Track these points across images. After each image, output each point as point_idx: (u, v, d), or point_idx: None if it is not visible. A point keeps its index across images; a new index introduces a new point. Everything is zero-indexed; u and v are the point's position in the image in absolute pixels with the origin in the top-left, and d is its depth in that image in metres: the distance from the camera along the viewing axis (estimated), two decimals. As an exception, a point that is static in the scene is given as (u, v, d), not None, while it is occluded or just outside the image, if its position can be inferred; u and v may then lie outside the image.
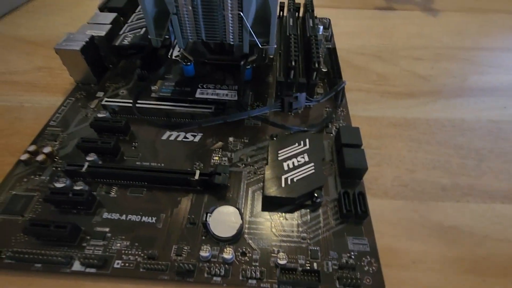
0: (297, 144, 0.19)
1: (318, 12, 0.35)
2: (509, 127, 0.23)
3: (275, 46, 0.22)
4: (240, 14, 0.19)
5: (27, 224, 0.15)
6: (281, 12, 0.31)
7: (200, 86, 0.24)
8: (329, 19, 0.33)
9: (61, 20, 0.33)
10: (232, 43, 0.21)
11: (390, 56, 0.30)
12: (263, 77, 0.26)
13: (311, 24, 0.26)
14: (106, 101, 0.22)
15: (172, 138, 0.21)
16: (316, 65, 0.22)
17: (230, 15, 0.20)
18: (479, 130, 0.23)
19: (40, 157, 0.19)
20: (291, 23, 0.26)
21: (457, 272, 0.16)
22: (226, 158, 0.20)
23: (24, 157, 0.19)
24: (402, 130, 0.23)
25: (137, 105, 0.22)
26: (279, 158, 0.19)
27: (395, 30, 0.34)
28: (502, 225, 0.18)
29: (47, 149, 0.19)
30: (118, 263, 0.15)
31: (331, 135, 0.22)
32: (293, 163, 0.18)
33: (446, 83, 0.27)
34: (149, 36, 0.21)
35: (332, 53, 0.27)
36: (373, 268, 0.15)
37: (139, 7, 0.28)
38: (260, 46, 0.21)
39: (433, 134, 0.23)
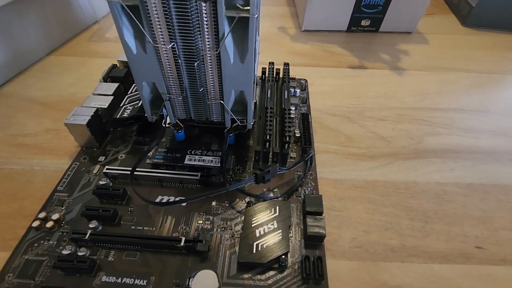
0: (268, 211, 0.23)
1: (298, 71, 0.40)
2: (453, 190, 0.27)
3: (252, 122, 0.26)
4: (221, 102, 0.24)
5: (39, 290, 0.18)
6: (263, 75, 0.36)
7: (188, 153, 0.27)
8: (306, 80, 0.38)
9: (68, 80, 0.37)
10: (215, 120, 0.25)
11: (358, 117, 0.34)
12: (244, 141, 0.30)
13: (285, 96, 0.30)
14: (107, 169, 0.26)
15: (164, 200, 0.25)
16: (287, 139, 0.26)
17: (214, 104, 0.24)
18: (427, 193, 0.27)
19: (49, 224, 0.22)
20: (269, 95, 0.30)
21: (396, 328, 0.19)
22: (208, 221, 0.24)
23: (36, 224, 0.22)
24: (362, 192, 0.27)
25: (135, 172, 0.25)
26: (253, 225, 0.22)
27: (364, 90, 0.38)
28: (437, 284, 0.21)
29: (55, 216, 0.23)
30: (114, 324, 0.18)
31: (300, 198, 0.25)
32: (264, 229, 0.22)
33: (404, 144, 0.31)
34: (145, 115, 0.25)
35: (305, 119, 0.31)
36: (326, 326, 0.19)
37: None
38: (239, 124, 0.25)
39: (389, 196, 0.27)
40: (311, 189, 0.26)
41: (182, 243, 0.21)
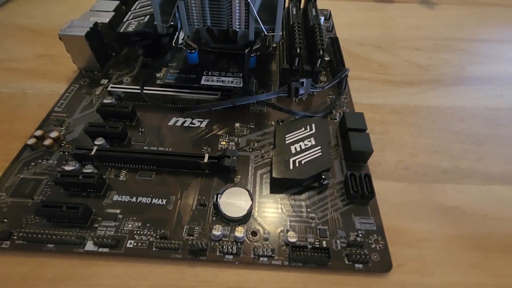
0: (303, 129, 0.20)
1: (319, 4, 0.36)
2: (505, 114, 0.24)
3: (281, 33, 0.22)
4: (247, 0, 0.20)
5: (39, 205, 0.15)
6: (283, 3, 0.32)
7: (205, 73, 0.24)
8: (330, 10, 0.33)
9: (59, 9, 0.33)
10: (238, 29, 0.22)
11: (389, 47, 0.31)
12: (266, 65, 0.26)
13: (314, 13, 0.26)
14: (112, 87, 0.22)
15: (178, 124, 0.21)
16: (321, 52, 0.22)
17: (237, 1, 0.20)
18: (477, 117, 0.24)
19: (47, 142, 0.19)
20: (294, 12, 0.26)
21: (461, 249, 0.17)
22: (233, 143, 0.20)
23: (31, 141, 0.19)
24: (404, 117, 0.24)
25: (143, 91, 0.22)
26: (287, 142, 0.19)
27: (393, 22, 0.34)
28: (501, 205, 0.19)
29: (54, 134, 0.19)
30: (130, 243, 0.15)
31: (335, 121, 0.22)
32: (300, 146, 0.19)
33: (445, 72, 0.28)
34: (155, 23, 0.21)
35: (334, 42, 0.27)
36: (380, 245, 0.16)
37: (142, -5, 0.27)
38: (266, 33, 0.21)
39: (434, 120, 0.23)
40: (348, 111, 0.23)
41: (205, 160, 0.18)
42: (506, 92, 0.26)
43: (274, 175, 0.17)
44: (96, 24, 0.23)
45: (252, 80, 0.24)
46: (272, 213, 0.17)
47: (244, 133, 0.21)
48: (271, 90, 0.24)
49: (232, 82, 0.23)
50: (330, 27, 0.31)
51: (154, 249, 0.15)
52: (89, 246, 0.15)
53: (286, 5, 0.29)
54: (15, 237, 0.15)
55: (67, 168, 0.17)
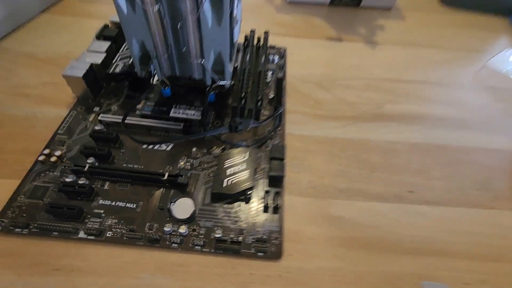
0: (239, 156, 0.27)
1: (279, 41, 0.43)
2: (400, 147, 0.32)
3: (230, 82, 0.30)
4: (202, 61, 0.27)
5: (48, 206, 0.23)
6: (245, 42, 0.39)
7: (174, 106, 0.31)
8: (285, 49, 0.41)
9: (62, 39, 0.40)
10: (197, 78, 0.29)
11: (329, 85, 0.38)
12: (224, 100, 0.34)
13: (262, 61, 0.34)
14: (102, 116, 0.29)
15: (150, 147, 0.29)
16: (260, 96, 0.30)
17: (195, 61, 0.27)
18: (377, 149, 0.32)
19: (53, 159, 0.26)
20: (247, 59, 0.34)
21: (333, 245, 0.24)
22: (189, 163, 0.28)
23: (41, 158, 0.26)
24: (323, 147, 0.31)
25: (126, 121, 0.29)
26: (225, 166, 0.27)
27: (338, 61, 0.42)
28: (372, 216, 0.26)
29: (57, 153, 0.27)
30: (109, 234, 0.23)
31: (268, 149, 0.30)
32: (234, 169, 0.26)
33: (365, 110, 0.36)
34: (135, 70, 0.29)
35: (279, 82, 0.35)
36: (277, 241, 0.24)
37: (129, 37, 0.34)
38: (218, 82, 0.29)
39: (345, 150, 0.31)
40: (278, 142, 0.30)
41: (165, 177, 0.25)
42: (406, 128, 0.34)
43: (212, 190, 0.25)
44: (91, 65, 0.30)
45: (210, 114, 0.32)
46: (209, 217, 0.25)
47: (198, 156, 0.28)
48: (225, 121, 0.32)
49: (193, 115, 0.30)
50: (282, 66, 0.39)
51: (124, 238, 0.23)
52: (81, 234, 0.23)
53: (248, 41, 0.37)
54: (31, 227, 0.23)
55: (67, 179, 0.25)
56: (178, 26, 0.25)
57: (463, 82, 0.41)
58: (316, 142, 0.32)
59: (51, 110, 0.31)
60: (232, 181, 0.26)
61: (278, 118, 0.31)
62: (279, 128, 0.32)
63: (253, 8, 0.49)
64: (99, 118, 0.29)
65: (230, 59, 0.29)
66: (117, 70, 0.31)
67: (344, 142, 0.32)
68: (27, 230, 0.23)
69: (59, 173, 0.26)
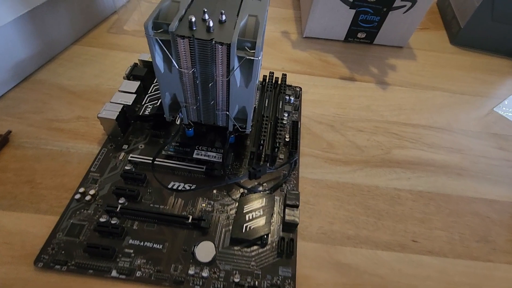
0: (257, 202, 0.30)
1: (294, 78, 0.46)
2: (405, 195, 0.34)
3: (250, 130, 0.32)
4: (227, 113, 0.30)
5: (85, 246, 0.25)
6: (264, 82, 0.41)
7: (196, 148, 0.34)
8: (301, 89, 0.43)
9: (92, 71, 0.42)
10: (221, 125, 0.31)
11: (340, 126, 0.40)
12: (243, 141, 0.36)
13: (280, 107, 0.36)
14: (132, 157, 0.32)
15: (175, 187, 0.31)
16: (277, 144, 0.32)
17: (220, 113, 0.30)
18: (385, 196, 0.34)
19: (87, 197, 0.29)
20: (266, 104, 0.36)
21: (341, 293, 0.27)
22: (210, 205, 0.30)
23: (77, 196, 0.29)
24: (333, 192, 0.34)
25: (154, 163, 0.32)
26: (244, 211, 0.29)
27: (350, 101, 0.44)
28: (378, 265, 0.29)
29: (92, 192, 0.29)
30: (138, 273, 0.25)
31: (283, 193, 0.32)
32: (252, 215, 0.29)
33: (374, 154, 0.38)
34: (164, 116, 0.31)
35: (295, 126, 0.37)
36: (290, 287, 0.26)
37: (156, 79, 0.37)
38: (240, 129, 0.31)
39: (354, 196, 0.33)
40: (292, 186, 0.33)
41: (189, 220, 0.28)
42: (411, 175, 0.36)
43: (232, 235, 0.28)
44: (123, 107, 0.33)
45: (229, 155, 0.34)
46: (228, 260, 0.27)
47: (218, 198, 0.31)
48: (243, 162, 0.34)
49: (215, 157, 0.33)
50: (298, 106, 0.41)
51: (152, 278, 0.25)
52: (114, 273, 0.25)
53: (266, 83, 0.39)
54: (69, 264, 0.25)
55: (101, 220, 0.27)
56: (209, 85, 0.27)
57: (469, 127, 0.43)
58: (327, 187, 0.34)
59: (84, 145, 0.34)
60: (250, 226, 0.28)
61: (293, 163, 0.34)
62: (293, 172, 0.34)
63: (270, 42, 0.52)
64: (129, 158, 0.32)
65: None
66: (147, 112, 0.34)
67: (353, 188, 0.34)
68: (65, 267, 0.25)
69: (92, 211, 0.29)
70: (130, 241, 0.27)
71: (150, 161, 0.31)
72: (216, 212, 0.30)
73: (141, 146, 0.34)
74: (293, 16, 0.58)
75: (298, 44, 0.52)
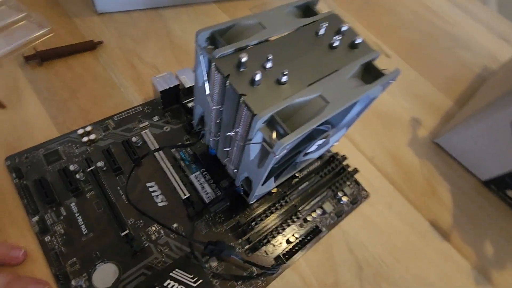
0: (189, 277, 0.24)
1: (371, 177, 0.35)
2: None
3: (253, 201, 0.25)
4: (234, 170, 0.23)
5: (40, 178, 0.25)
6: (331, 158, 0.32)
7: (200, 171, 0.29)
8: (368, 195, 0.32)
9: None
10: (230, 172, 0.26)
11: (370, 279, 0.29)
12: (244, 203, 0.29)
13: (319, 198, 0.27)
14: (145, 133, 0.30)
15: (150, 189, 0.28)
16: (272, 235, 0.25)
17: (231, 167, 0.24)
18: None
19: (85, 139, 0.29)
20: (304, 186, 0.28)
21: None
22: (156, 235, 0.26)
23: (80, 131, 0.29)
24: None
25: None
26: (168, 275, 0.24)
27: (420, 262, 0.31)
28: None
29: (93, 136, 0.29)
30: (48, 238, 0.24)
31: (229, 291, 0.25)
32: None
33: None
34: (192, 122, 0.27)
35: (315, 233, 0.28)
36: None
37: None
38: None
39: None
40: (244, 294, 0.25)
41: (124, 232, 0.25)
42: None
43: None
44: (176, 86, 0.31)
45: (223, 204, 0.28)
46: (115, 303, 0.23)
47: (171, 237, 0.26)
48: (227, 223, 0.28)
49: (207, 194, 0.28)
50: (342, 213, 0.31)
51: (51, 253, 0.24)
52: (34, 220, 0.25)
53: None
54: (21, 180, 0.26)
55: (71, 166, 0.27)
56: (227, 134, 0.21)
57: None
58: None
59: (133, 92, 0.34)
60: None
61: (269, 273, 0.26)
62: (262, 280, 0.26)
63: (387, 120, 0.40)
64: (143, 132, 0.30)
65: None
66: (189, 105, 0.31)
67: None
68: (18, 180, 0.26)
69: (78, 153, 0.28)
70: (72, 204, 0.26)
71: (155, 148, 0.29)
72: (154, 246, 0.26)
73: (166, 129, 0.32)
74: (444, 109, 0.43)
75: (423, 149, 0.39)
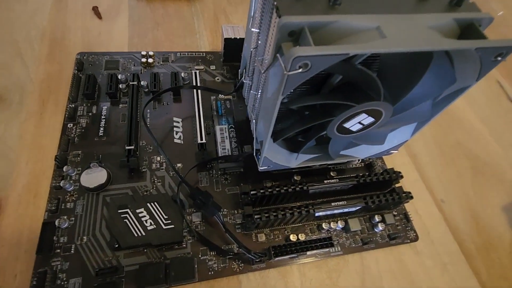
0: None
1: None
2: None
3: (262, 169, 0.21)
4: (254, 120, 0.20)
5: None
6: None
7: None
8: (417, 238, 0.24)
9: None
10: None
11: None
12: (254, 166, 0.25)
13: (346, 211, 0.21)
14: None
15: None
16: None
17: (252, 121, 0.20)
18: None
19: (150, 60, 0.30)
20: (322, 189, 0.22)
21: None
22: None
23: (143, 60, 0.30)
24: None
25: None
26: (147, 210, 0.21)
27: None
28: None
29: (150, 60, 0.30)
30: (71, 125, 0.25)
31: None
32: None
33: None
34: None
35: (327, 244, 0.22)
36: None
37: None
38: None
39: None
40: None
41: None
42: None
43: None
44: (243, 39, 0.29)
45: (240, 159, 0.25)
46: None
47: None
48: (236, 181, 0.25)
49: (225, 149, 0.25)
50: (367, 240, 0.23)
51: (66, 138, 0.25)
52: None
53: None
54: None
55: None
56: (258, 58, 0.18)
57: None
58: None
59: (206, 39, 0.34)
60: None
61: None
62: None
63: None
64: (193, 71, 0.30)
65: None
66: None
67: None
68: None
69: (132, 69, 0.30)
70: (104, 107, 0.27)
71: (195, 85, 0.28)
72: (150, 174, 0.24)
73: (218, 79, 0.31)
74: None
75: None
